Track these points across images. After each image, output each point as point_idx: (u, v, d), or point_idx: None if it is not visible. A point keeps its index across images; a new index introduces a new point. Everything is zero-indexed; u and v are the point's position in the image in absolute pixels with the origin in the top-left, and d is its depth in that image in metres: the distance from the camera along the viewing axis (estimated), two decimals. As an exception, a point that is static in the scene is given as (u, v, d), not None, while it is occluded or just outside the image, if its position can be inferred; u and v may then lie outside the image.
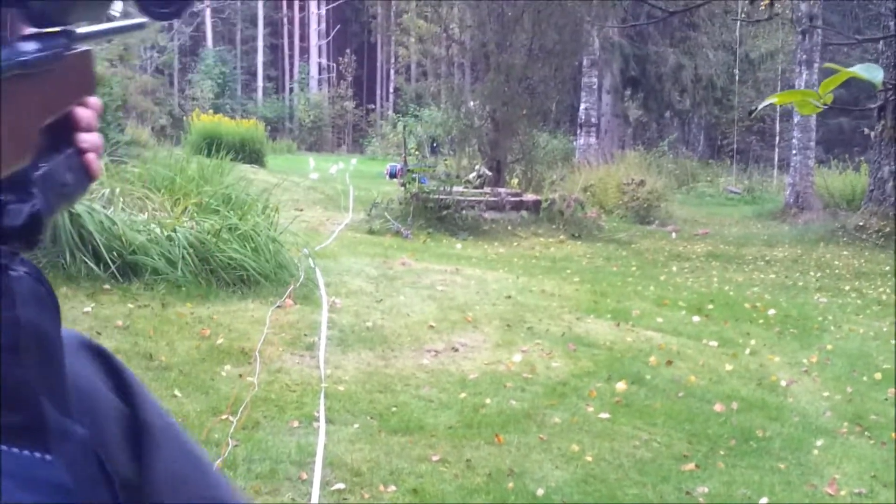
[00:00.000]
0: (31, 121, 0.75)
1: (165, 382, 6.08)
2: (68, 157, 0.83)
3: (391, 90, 55.76)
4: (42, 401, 0.52)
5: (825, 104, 1.46)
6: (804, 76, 22.76)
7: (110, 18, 0.86)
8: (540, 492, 4.93)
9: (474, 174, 19.06)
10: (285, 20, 57.61)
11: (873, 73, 1.40)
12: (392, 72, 55.40)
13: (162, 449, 0.63)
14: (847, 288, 12.86)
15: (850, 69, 1.38)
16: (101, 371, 0.66)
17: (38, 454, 0.51)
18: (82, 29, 0.83)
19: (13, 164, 0.71)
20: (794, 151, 24.23)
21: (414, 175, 17.50)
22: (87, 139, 0.83)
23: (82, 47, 0.84)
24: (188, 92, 46.72)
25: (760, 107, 1.83)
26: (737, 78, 32.18)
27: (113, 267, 7.97)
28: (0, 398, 0.51)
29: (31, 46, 0.72)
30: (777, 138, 36.41)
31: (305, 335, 7.46)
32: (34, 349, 0.53)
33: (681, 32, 30.20)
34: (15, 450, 0.50)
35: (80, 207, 7.97)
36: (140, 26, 0.99)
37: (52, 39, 0.77)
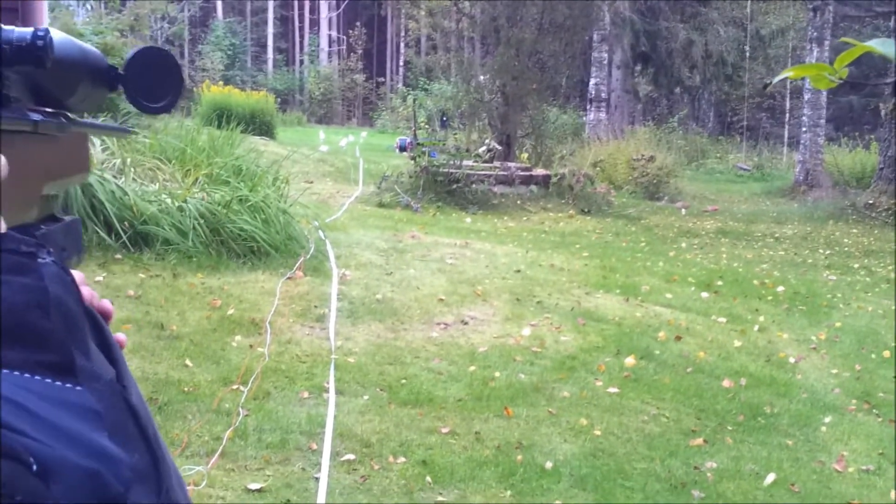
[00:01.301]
0: (35, 180, 0.81)
1: (177, 352, 6.10)
2: (66, 226, 0.89)
3: (401, 63, 55.57)
4: (71, 348, 0.55)
5: (840, 78, 1.46)
6: (815, 53, 22.67)
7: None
8: (548, 465, 4.96)
9: (484, 148, 19.03)
10: (295, -8, 57.44)
11: (888, 48, 1.40)
12: (402, 45, 55.20)
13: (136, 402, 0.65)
14: (856, 266, 12.85)
15: (866, 43, 1.38)
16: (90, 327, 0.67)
17: (69, 385, 0.52)
18: (78, 118, 0.90)
19: (19, 215, 0.77)
20: (804, 129, 24.18)
21: (424, 149, 17.46)
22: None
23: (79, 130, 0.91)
24: (198, 63, 46.65)
25: (775, 80, 1.82)
26: (747, 54, 31.99)
27: (124, 237, 7.99)
28: (32, 340, 0.53)
29: (37, 115, 0.77)
30: (787, 115, 36.30)
31: (315, 307, 7.48)
32: (62, 318, 0.56)
33: (691, 8, 30.02)
34: (49, 380, 0.52)
35: (91, 178, 7.99)
36: (126, 131, 1.10)
37: (54, 116, 0.83)
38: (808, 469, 5.30)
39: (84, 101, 0.87)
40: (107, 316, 0.82)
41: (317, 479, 4.50)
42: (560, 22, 19.76)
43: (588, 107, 29.18)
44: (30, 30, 0.71)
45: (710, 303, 9.25)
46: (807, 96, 24.33)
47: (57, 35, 0.77)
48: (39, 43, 0.71)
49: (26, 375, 0.51)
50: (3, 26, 0.71)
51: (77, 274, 0.96)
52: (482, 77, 20.64)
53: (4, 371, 0.50)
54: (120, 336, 0.82)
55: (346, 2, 54.75)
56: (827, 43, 22.88)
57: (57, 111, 0.84)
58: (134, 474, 0.53)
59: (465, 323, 7.63)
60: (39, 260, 0.59)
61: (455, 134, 21.40)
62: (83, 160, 0.95)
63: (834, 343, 8.22)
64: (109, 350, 0.63)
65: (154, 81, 0.89)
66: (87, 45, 0.86)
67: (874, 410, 6.48)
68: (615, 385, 6.42)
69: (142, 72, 0.89)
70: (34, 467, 0.45)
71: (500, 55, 19.61)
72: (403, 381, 6.11)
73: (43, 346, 0.53)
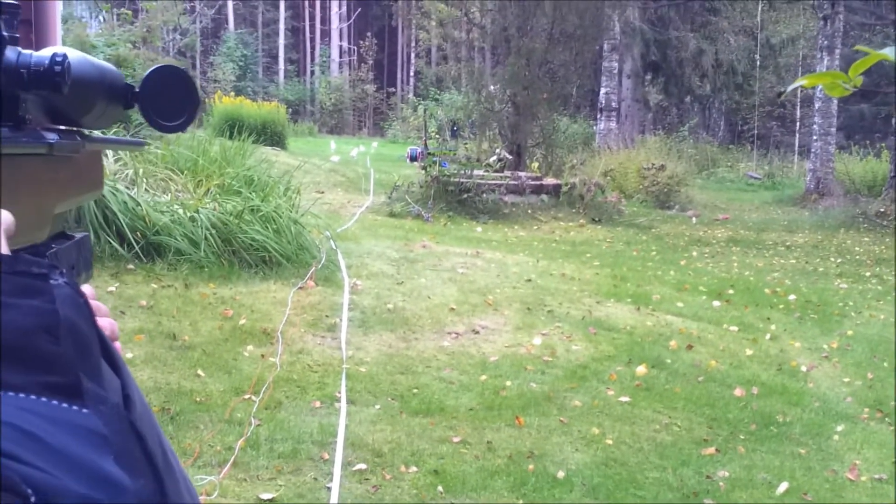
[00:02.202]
0: (49, 201, 0.82)
1: (189, 362, 6.12)
2: (77, 243, 0.91)
3: (412, 74, 55.63)
4: (79, 372, 0.55)
5: (855, 87, 1.46)
6: (825, 61, 22.65)
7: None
8: (560, 474, 4.95)
9: (495, 158, 19.03)
10: (306, 3, 57.53)
11: (902, 56, 1.40)
12: (413, 55, 55.26)
13: (141, 427, 0.64)
14: (868, 274, 12.82)
15: (880, 51, 1.39)
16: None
17: (75, 407, 0.52)
18: (94, 134, 0.91)
19: (31, 237, 0.77)
20: (814, 137, 24.14)
21: (434, 158, 17.46)
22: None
23: (93, 147, 0.92)
24: (210, 74, 46.73)
25: (790, 89, 1.83)
26: (758, 63, 31.96)
27: (136, 247, 8.01)
28: (39, 363, 0.53)
29: (52, 135, 0.78)
30: (798, 124, 36.25)
31: (327, 316, 7.49)
32: (72, 342, 0.55)
33: (702, 17, 30.04)
34: (55, 402, 0.52)
35: (104, 189, 8.01)
36: (140, 144, 1.14)
37: (70, 135, 0.84)
38: (820, 478, 5.29)
39: (100, 119, 0.88)
40: (111, 336, 0.83)
41: (329, 489, 4.51)
42: (570, 31, 19.80)
43: (598, 116, 29.16)
44: (48, 54, 0.71)
45: (721, 311, 9.24)
46: (817, 105, 24.30)
47: (74, 55, 0.78)
48: (57, 69, 0.71)
49: (32, 397, 0.51)
50: (21, 50, 0.71)
51: (87, 289, 0.97)
52: (492, 87, 20.67)
53: (10, 394, 0.50)
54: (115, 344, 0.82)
55: (356, 13, 54.86)
56: (837, 52, 22.86)
57: (72, 129, 0.85)
58: (138, 502, 0.52)
59: (477, 332, 7.64)
60: (52, 281, 0.58)
61: (466, 143, 21.42)
62: (97, 177, 0.96)
63: (846, 351, 8.20)
64: (113, 360, 0.64)
65: (170, 100, 0.90)
66: (105, 63, 0.87)
67: (887, 419, 6.46)
68: (627, 394, 6.42)
69: (158, 90, 0.89)
70: (32, 499, 0.45)
71: (510, 65, 19.64)
72: (415, 390, 6.12)
73: (49, 370, 0.53)
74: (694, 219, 19.19)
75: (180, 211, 8.56)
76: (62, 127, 0.83)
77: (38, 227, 0.80)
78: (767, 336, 8.42)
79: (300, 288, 8.12)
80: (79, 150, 0.85)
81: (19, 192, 0.73)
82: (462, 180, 16.23)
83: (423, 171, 17.06)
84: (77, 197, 0.91)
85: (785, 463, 5.46)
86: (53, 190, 0.82)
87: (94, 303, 0.95)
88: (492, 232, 14.32)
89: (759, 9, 30.27)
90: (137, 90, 0.89)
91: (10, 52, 0.70)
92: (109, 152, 9.14)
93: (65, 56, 0.72)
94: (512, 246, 12.81)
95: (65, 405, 0.52)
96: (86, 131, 0.88)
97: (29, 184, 0.76)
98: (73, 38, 14.46)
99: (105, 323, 0.90)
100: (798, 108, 36.82)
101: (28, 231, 0.77)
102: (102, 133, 0.94)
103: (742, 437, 5.85)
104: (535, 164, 20.58)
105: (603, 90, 28.10)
